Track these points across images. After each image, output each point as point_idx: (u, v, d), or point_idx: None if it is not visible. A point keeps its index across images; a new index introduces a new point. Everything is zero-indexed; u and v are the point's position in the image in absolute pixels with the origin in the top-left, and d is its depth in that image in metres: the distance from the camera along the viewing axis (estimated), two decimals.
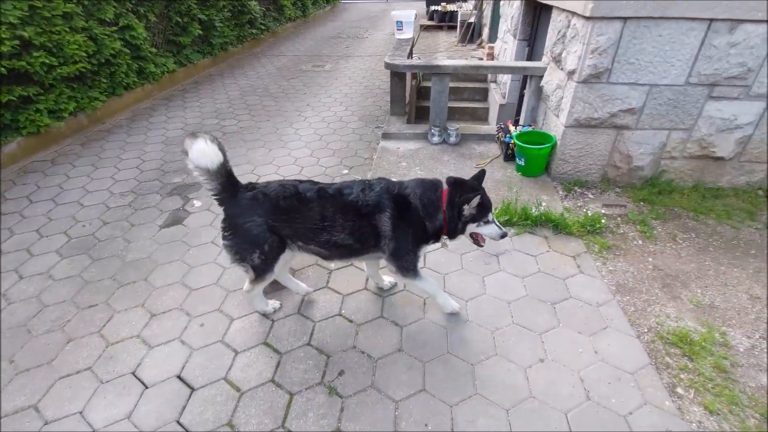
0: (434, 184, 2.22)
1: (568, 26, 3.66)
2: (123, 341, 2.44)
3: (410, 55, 6.58)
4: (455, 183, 2.19)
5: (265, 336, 2.44)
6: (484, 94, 7.56)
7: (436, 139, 4.75)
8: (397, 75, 5.14)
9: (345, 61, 9.32)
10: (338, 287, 2.79)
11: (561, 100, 3.80)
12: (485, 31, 9.60)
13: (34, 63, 4.44)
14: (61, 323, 2.57)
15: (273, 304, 2.60)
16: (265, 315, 2.57)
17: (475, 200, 2.06)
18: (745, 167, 3.72)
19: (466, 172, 4.05)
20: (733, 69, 3.26)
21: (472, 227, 2.21)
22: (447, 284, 2.78)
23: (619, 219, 3.41)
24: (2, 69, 4.08)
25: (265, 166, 4.50)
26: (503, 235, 2.23)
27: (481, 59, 8.26)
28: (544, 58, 4.34)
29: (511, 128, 4.43)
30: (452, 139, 4.74)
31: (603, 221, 3.29)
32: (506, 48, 6.71)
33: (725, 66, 3.26)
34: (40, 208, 3.73)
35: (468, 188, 2.15)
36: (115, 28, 5.68)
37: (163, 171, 4.42)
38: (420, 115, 6.84)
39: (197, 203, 3.83)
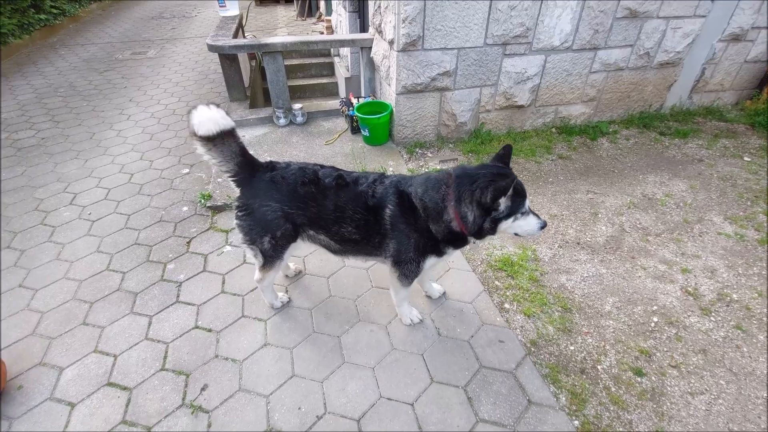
0: (439, 181, 1.83)
1: None
2: None
3: (240, 33, 6.13)
4: (464, 174, 1.77)
5: (108, 375, 2.15)
6: (330, 69, 7.55)
7: (282, 121, 4.61)
8: (227, 58, 4.75)
9: (172, 45, 8.24)
10: (191, 298, 2.58)
11: (389, 69, 4.01)
12: (322, 4, 9.47)
13: None
14: None
15: (282, 297, 2.51)
16: (272, 307, 2.48)
17: (508, 188, 1.61)
18: (540, 111, 4.51)
19: (318, 151, 4.07)
20: (516, 29, 3.84)
21: (507, 224, 1.76)
22: (307, 265, 2.80)
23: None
24: None
25: (81, 181, 3.80)
26: (543, 226, 1.81)
27: (322, 33, 8.18)
28: (371, 29, 4.49)
29: (353, 101, 4.54)
30: (299, 119, 4.65)
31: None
32: (341, 20, 6.75)
33: (510, 27, 3.81)
34: None
35: (491, 176, 1.69)
36: None
37: None
38: (268, 97, 6.53)
39: None
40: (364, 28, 5.80)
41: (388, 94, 4.19)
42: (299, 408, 1.98)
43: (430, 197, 1.82)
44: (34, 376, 2.15)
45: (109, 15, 10.98)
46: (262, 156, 4.03)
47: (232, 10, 5.78)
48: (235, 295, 2.60)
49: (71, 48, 8.01)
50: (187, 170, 3.96)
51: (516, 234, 1.83)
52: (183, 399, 2.02)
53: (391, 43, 3.77)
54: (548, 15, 3.82)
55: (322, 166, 2.06)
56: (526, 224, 1.78)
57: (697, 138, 4.46)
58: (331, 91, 7.46)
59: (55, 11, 8.91)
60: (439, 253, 1.97)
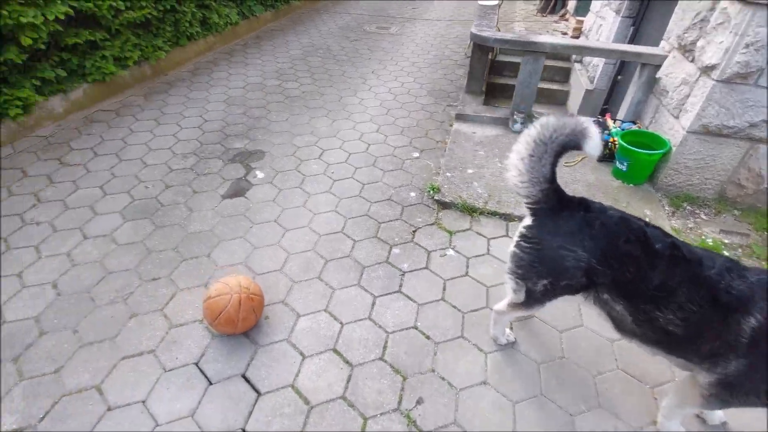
0: None
1: (713, 9, 3.00)
2: (186, 325, 2.31)
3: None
4: None
5: (334, 341, 2.23)
6: (565, 75, 6.79)
7: (517, 126, 4.26)
8: (480, 49, 4.59)
9: (411, 24, 8.64)
10: (412, 293, 2.52)
11: (686, 99, 3.20)
12: (572, 3, 8.57)
13: (102, 5, 4.24)
14: (124, 295, 2.46)
15: (509, 335, 2.23)
16: (495, 341, 2.24)
17: None
18: None
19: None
20: None
21: None
22: (541, 312, 2.44)
23: (740, 250, 2.90)
24: (69, 9, 3.90)
25: (329, 139, 4.20)
26: None
27: (565, 34, 7.40)
28: (664, 44, 3.68)
29: (610, 123, 3.87)
30: None
31: (723, 252, 2.80)
32: (601, 24, 5.89)
33: None
34: (105, 163, 3.64)
35: None
36: None
37: (225, 134, 4.21)
38: (492, 92, 6.25)
39: (260, 174, 3.61)
40: (635, 39, 4.89)
41: (669, 128, 3.38)
42: None
43: None
44: (278, 312, 2.39)
45: None
46: (493, 160, 3.77)
47: (494, 0, 5.57)
48: (455, 308, 2.43)
49: (331, 15, 9.16)
50: (417, 155, 3.99)
51: None
52: (399, 403, 1.95)
53: (707, 68, 2.95)
54: None
55: (646, 224, 1.62)
56: None
57: None
58: (559, 100, 6.73)
59: None
60: None
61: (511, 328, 2.30)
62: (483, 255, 2.80)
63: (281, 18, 8.55)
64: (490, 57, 6.53)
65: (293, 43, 7.10)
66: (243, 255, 2.78)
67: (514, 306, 1.97)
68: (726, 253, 2.79)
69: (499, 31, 5.25)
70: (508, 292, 1.97)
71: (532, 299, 1.85)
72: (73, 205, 3.14)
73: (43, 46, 3.76)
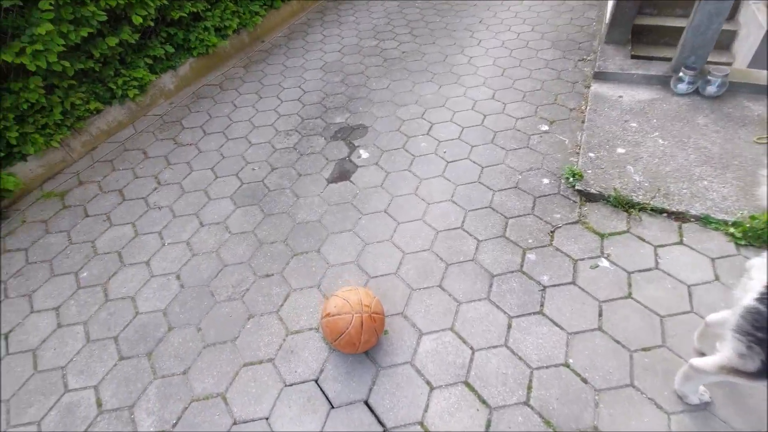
0: None
1: None
2: (302, 332, 2.16)
3: None
4: None
5: (465, 371, 1.91)
6: (731, 12, 5.20)
7: (682, 87, 3.28)
8: None
9: None
10: (557, 316, 2.06)
11: None
12: None
13: None
14: (240, 291, 2.40)
15: (703, 395, 1.70)
16: (682, 398, 1.72)
17: None
18: None
19: (740, 151, 2.71)
20: None
21: None
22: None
23: None
24: None
25: (437, 111, 3.68)
26: None
27: None
28: None
29: None
30: (712, 89, 3.21)
31: None
32: None
33: None
34: (214, 142, 3.61)
35: None
36: None
37: (324, 107, 3.93)
38: (638, 38, 5.00)
39: (364, 154, 3.29)
40: None
41: None
42: None
43: None
44: (398, 327, 2.12)
45: None
46: (651, 136, 2.95)
47: None
48: (617, 343, 1.92)
49: None
50: (546, 127, 3.30)
51: None
52: None
53: None
54: None
55: None
56: None
57: None
58: (720, 44, 5.24)
59: None
60: None
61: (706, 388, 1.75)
62: (650, 270, 2.19)
63: None
64: None
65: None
66: (354, 252, 2.54)
67: (732, 372, 1.41)
68: None
69: None
70: (724, 350, 1.42)
71: (761, 369, 1.29)
72: (188, 188, 3.16)
73: (151, 23, 3.74)
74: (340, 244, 2.60)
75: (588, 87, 3.61)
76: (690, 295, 2.06)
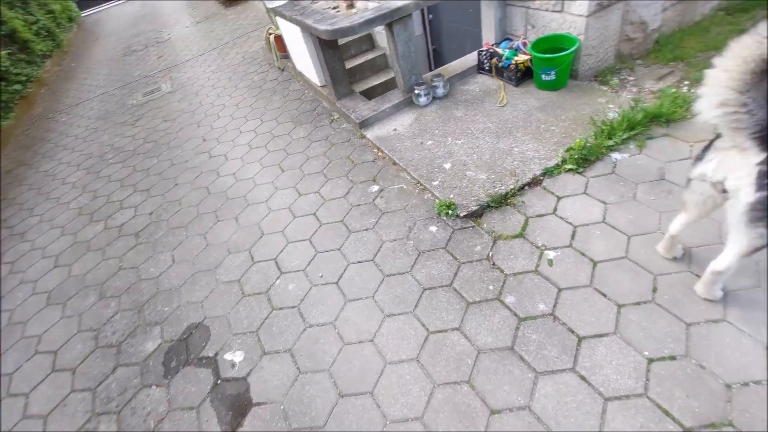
0: None
1: None
2: None
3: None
4: None
5: None
6: (369, 43, 6.65)
7: (423, 99, 3.82)
8: (328, 45, 3.89)
9: (178, 71, 7.07)
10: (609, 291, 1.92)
11: None
12: None
13: None
14: None
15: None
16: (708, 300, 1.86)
17: None
18: None
19: (501, 116, 3.36)
20: None
21: None
22: None
23: (680, 85, 3.21)
24: None
25: (260, 242, 2.97)
26: None
27: (336, 8, 7.16)
28: None
29: (498, 49, 3.80)
30: (440, 91, 3.87)
31: (687, 93, 3.04)
32: None
33: None
34: None
35: None
36: None
37: (111, 345, 2.53)
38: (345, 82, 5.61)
39: (237, 358, 2.28)
40: None
41: (560, 23, 3.45)
42: None
43: None
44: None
45: (69, 68, 9.53)
46: (448, 143, 3.28)
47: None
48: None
49: (67, 113, 6.78)
50: (376, 186, 3.17)
51: None
52: None
53: None
54: None
55: None
56: None
57: None
58: (380, 66, 6.59)
59: (22, 78, 7.53)
60: None
61: None
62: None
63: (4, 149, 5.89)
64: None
65: (60, 168, 4.94)
66: None
67: (754, 252, 1.60)
68: (687, 92, 3.04)
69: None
70: (739, 241, 1.61)
71: None
72: None
73: None
74: None
75: (363, 137, 3.73)
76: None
